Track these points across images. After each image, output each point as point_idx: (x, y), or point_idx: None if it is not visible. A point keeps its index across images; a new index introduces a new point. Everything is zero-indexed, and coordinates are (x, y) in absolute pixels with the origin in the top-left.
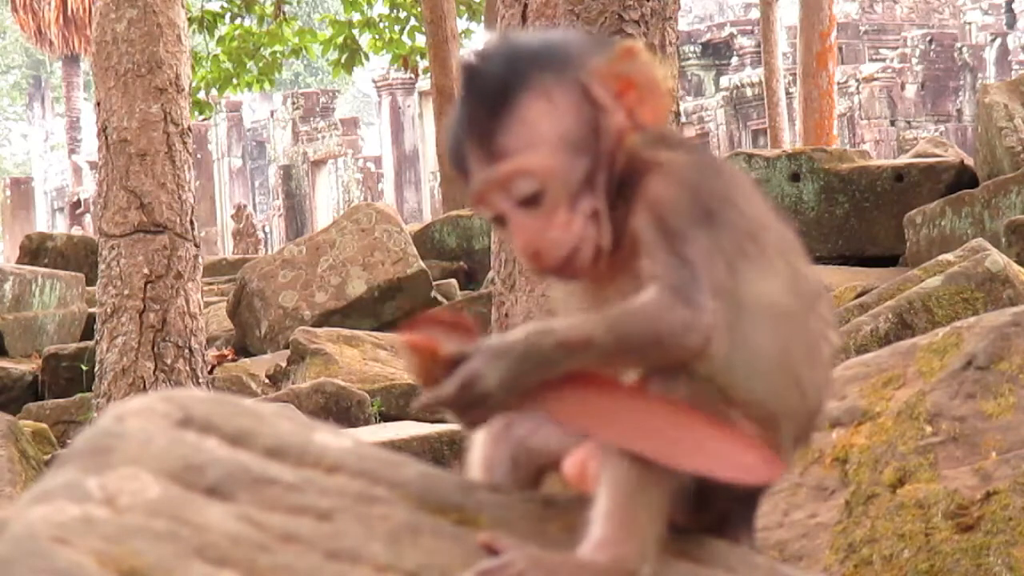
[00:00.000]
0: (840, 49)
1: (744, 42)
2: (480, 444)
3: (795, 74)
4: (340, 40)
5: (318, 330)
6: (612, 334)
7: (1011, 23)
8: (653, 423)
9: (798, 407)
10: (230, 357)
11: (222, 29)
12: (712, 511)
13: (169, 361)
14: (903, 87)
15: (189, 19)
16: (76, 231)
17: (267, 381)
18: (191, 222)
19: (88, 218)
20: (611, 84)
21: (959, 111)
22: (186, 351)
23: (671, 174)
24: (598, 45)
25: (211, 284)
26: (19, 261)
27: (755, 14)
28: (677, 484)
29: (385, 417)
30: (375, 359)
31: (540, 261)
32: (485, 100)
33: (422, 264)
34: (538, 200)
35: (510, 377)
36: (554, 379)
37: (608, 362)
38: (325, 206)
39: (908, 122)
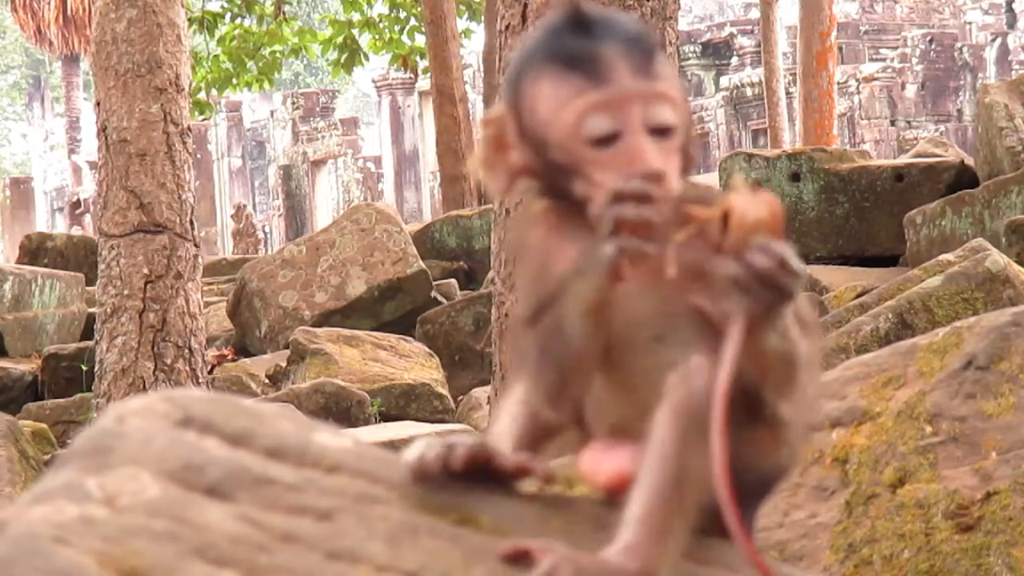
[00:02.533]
0: (840, 49)
1: (744, 42)
2: (510, 407)
3: (795, 74)
4: (340, 40)
5: (318, 330)
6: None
7: (1011, 23)
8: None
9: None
10: (230, 357)
11: (222, 29)
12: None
13: (169, 361)
14: (903, 87)
15: (189, 19)
16: (76, 231)
17: (267, 381)
18: (191, 222)
19: (88, 218)
20: None
21: (959, 111)
22: (186, 351)
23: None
24: None
25: (211, 284)
26: (19, 261)
27: (755, 14)
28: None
29: (385, 417)
30: (375, 359)
31: (657, 183)
32: (626, 28)
33: (422, 264)
34: (667, 136)
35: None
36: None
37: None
38: (325, 206)
39: (908, 122)
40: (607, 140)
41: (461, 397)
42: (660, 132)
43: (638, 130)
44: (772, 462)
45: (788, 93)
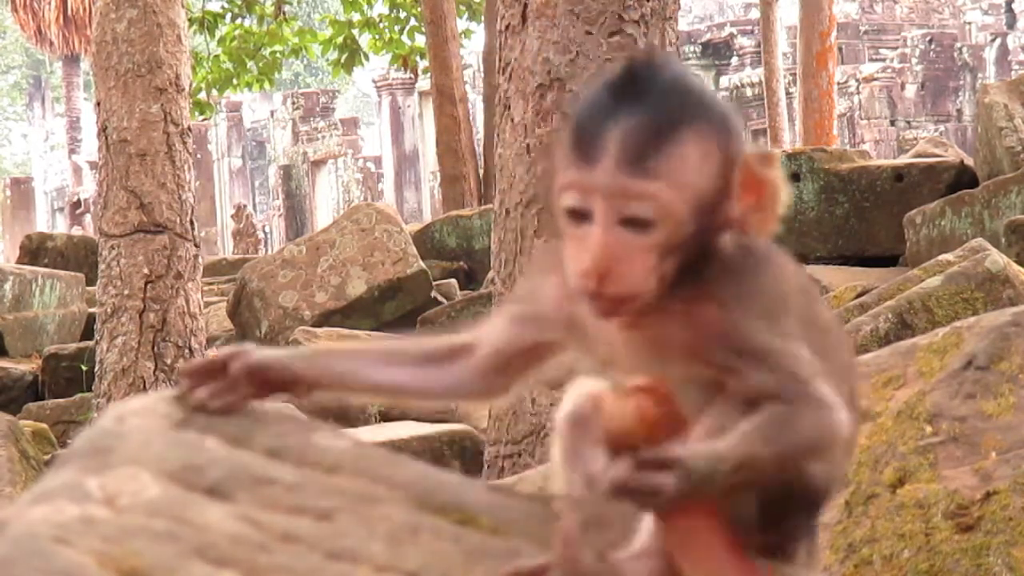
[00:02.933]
0: (840, 49)
1: (744, 42)
2: (563, 435)
3: (795, 74)
4: (340, 40)
5: (318, 330)
6: (770, 448)
7: (1011, 23)
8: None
9: None
10: None
11: (222, 29)
12: (778, 530)
13: (169, 361)
14: (903, 87)
15: (189, 19)
16: (76, 231)
17: None
18: (191, 222)
19: (88, 218)
20: (748, 177)
21: (959, 111)
22: (186, 351)
23: (753, 280)
24: (740, 128)
25: (211, 284)
26: (19, 261)
27: (755, 14)
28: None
29: (385, 417)
30: None
31: (600, 283)
32: (651, 108)
33: (422, 264)
34: (643, 230)
35: (684, 492)
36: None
37: (762, 475)
38: (325, 206)
39: (908, 122)
40: (579, 217)
41: None
42: (635, 224)
43: (601, 220)
44: (813, 485)
45: (788, 93)
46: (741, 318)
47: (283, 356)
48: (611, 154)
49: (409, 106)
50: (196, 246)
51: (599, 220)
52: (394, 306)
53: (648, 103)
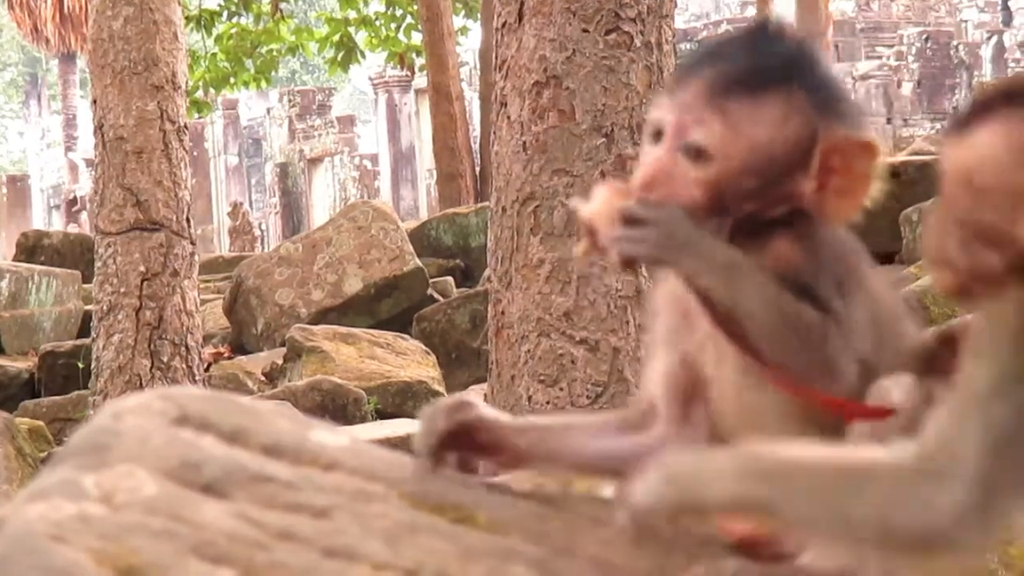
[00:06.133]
0: (836, 47)
1: None
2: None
3: None
4: (336, 38)
5: (314, 327)
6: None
7: (1007, 21)
8: None
9: None
10: (226, 355)
11: (219, 27)
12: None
13: (165, 359)
14: (899, 85)
15: (186, 17)
16: (72, 229)
17: (263, 379)
18: (187, 220)
19: (84, 216)
20: (833, 158)
21: (955, 109)
22: (182, 349)
23: (816, 249)
24: (854, 116)
25: (207, 282)
26: (15, 259)
27: (751, 12)
28: None
29: (381, 415)
30: (371, 357)
31: (646, 188)
32: (754, 61)
33: (418, 262)
34: (699, 160)
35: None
36: None
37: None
38: (321, 204)
39: (904, 120)
40: (656, 137)
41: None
42: (694, 153)
43: (667, 141)
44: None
45: None
46: (811, 265)
47: (499, 420)
48: (697, 87)
49: (406, 104)
50: (192, 244)
51: (665, 140)
52: (390, 304)
53: (753, 58)
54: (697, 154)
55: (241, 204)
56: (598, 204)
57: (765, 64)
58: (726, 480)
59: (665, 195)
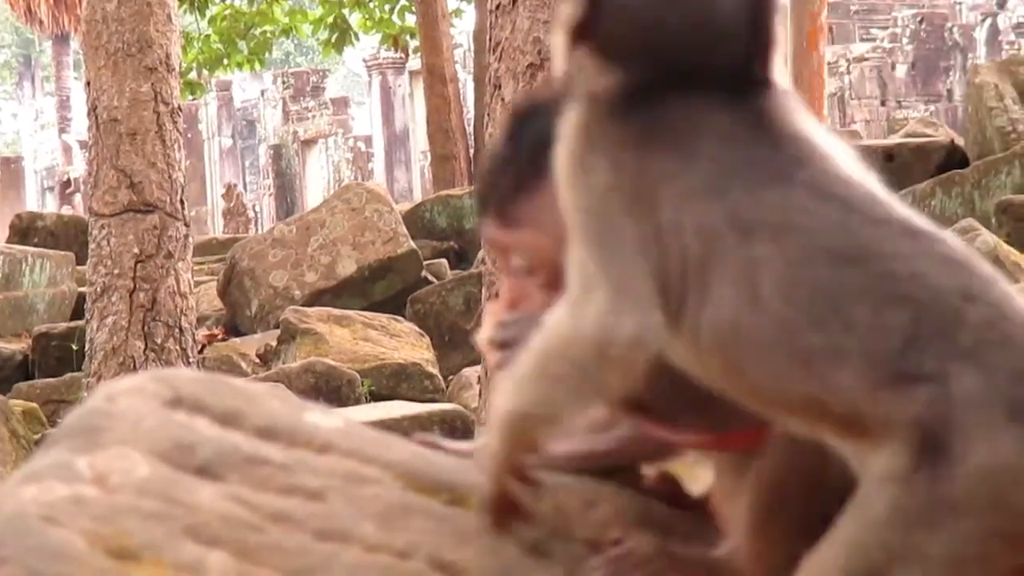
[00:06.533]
0: (831, 29)
1: None
2: None
3: (785, 54)
4: (330, 20)
5: (308, 309)
6: None
7: (1001, 3)
8: None
9: None
10: (220, 337)
11: (212, 9)
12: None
13: (159, 341)
14: (893, 67)
15: None
16: (66, 210)
17: (257, 361)
18: (181, 201)
19: (78, 197)
20: None
21: (949, 91)
22: (176, 331)
23: None
24: None
25: (201, 264)
26: (9, 240)
27: None
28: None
29: (375, 397)
30: (365, 339)
31: (511, 308)
32: (521, 160)
33: (412, 244)
34: (529, 273)
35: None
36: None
37: None
38: (315, 185)
39: (898, 102)
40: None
41: (451, 377)
42: (524, 272)
43: (507, 268)
44: None
45: None
46: None
47: None
48: (489, 209)
49: (400, 86)
50: (186, 225)
51: (504, 270)
52: (384, 286)
53: (514, 153)
54: (526, 271)
55: (235, 186)
56: (485, 329)
57: (524, 163)
58: (500, 421)
59: (527, 309)
